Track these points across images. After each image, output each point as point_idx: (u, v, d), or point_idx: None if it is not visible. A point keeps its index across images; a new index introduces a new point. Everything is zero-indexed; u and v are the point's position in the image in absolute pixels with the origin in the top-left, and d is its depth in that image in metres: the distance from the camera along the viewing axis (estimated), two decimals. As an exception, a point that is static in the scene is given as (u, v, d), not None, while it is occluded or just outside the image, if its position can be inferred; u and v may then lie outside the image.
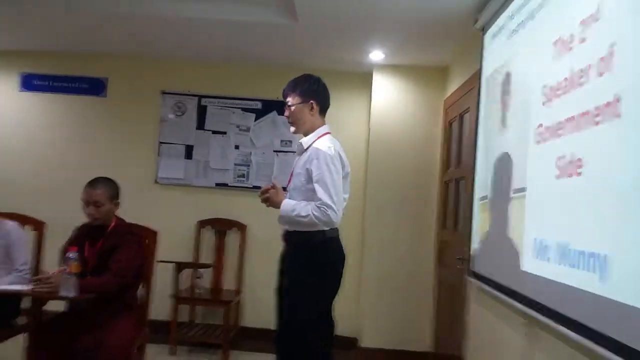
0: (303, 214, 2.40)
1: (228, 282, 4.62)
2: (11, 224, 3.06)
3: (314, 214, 2.38)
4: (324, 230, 2.45)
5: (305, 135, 2.60)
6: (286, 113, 2.61)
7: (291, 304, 2.50)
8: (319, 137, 2.56)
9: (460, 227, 3.61)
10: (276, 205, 2.50)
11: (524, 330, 2.19)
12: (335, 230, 2.52)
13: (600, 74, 1.64)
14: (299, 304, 2.46)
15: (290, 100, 2.57)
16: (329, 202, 2.38)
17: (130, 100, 4.82)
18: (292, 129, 2.62)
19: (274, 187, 2.52)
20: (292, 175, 2.62)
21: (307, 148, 2.54)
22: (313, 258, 2.47)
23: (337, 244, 2.54)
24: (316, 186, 2.41)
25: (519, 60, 2.41)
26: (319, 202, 2.39)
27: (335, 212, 2.40)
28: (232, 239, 4.70)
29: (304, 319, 2.46)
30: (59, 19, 3.88)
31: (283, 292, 2.58)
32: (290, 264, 2.56)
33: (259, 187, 4.56)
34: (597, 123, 1.63)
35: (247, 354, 4.28)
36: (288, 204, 2.47)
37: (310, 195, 2.46)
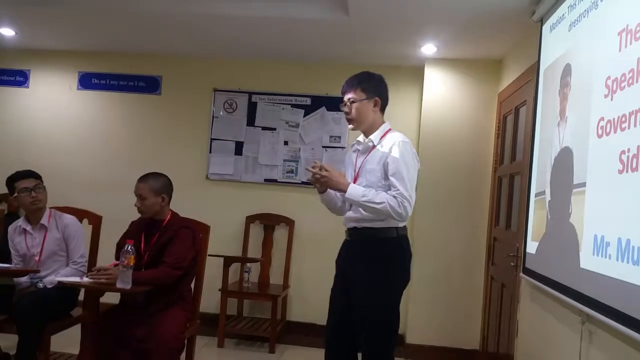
0: (377, 200, 2.29)
1: (275, 277, 4.66)
2: (70, 218, 3.18)
3: (389, 203, 2.28)
4: (397, 227, 2.40)
5: (365, 132, 2.51)
6: (346, 109, 2.48)
7: (372, 305, 2.37)
8: (385, 133, 2.48)
9: (513, 224, 3.51)
10: (338, 186, 2.36)
11: (579, 329, 2.11)
12: (405, 229, 2.46)
13: (670, 63, 1.55)
14: (380, 303, 2.37)
15: (352, 96, 2.46)
16: (405, 194, 2.30)
17: (184, 97, 4.92)
18: (351, 125, 2.51)
19: (324, 168, 2.38)
20: (358, 174, 2.49)
21: (375, 145, 2.46)
22: (389, 255, 2.40)
23: (407, 241, 2.49)
24: (392, 179, 2.33)
25: (580, 52, 2.32)
26: (395, 192, 2.30)
27: (410, 206, 2.32)
28: (280, 234, 4.73)
29: (388, 319, 2.39)
30: (117, 20, 4.01)
31: (348, 291, 2.45)
32: (359, 263, 2.43)
33: (307, 183, 4.68)
34: (665, 115, 1.54)
35: (293, 347, 4.32)
36: (356, 188, 2.34)
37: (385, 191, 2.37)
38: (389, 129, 2.51)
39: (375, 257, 2.39)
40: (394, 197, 2.30)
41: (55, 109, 5.05)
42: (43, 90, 5.09)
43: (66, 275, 2.99)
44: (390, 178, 2.33)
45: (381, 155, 2.40)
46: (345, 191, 2.34)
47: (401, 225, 2.41)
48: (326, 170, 2.37)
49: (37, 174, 3.14)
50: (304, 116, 4.77)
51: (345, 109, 2.49)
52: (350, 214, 2.49)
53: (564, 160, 2.36)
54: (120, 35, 4.46)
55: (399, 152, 2.35)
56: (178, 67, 4.93)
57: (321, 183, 2.40)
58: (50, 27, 4.35)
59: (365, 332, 2.39)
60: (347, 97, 2.49)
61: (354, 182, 2.45)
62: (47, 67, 5.07)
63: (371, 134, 2.49)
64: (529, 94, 3.20)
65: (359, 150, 2.55)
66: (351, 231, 2.50)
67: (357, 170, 2.51)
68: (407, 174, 2.34)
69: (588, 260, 2.00)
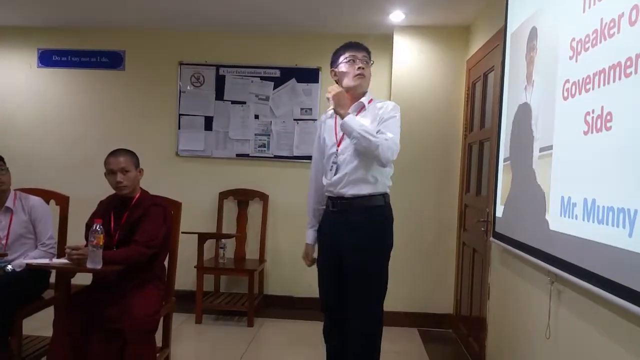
0: (375, 134, 2.36)
1: (251, 252, 4.66)
2: (35, 199, 3.10)
3: (383, 143, 2.35)
4: (384, 195, 2.50)
5: (355, 95, 2.56)
6: (362, 64, 2.54)
7: (365, 270, 2.47)
8: (371, 100, 2.59)
9: (483, 190, 3.56)
10: (340, 108, 2.42)
11: (548, 289, 2.17)
12: (389, 196, 2.56)
13: (632, 23, 1.56)
14: (378, 268, 2.51)
15: (367, 56, 2.57)
16: (397, 140, 2.41)
17: (149, 72, 4.81)
18: (359, 82, 2.54)
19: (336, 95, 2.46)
20: (343, 136, 2.50)
21: (363, 107, 2.55)
22: (380, 220, 2.49)
23: (391, 207, 2.59)
24: (383, 128, 2.41)
25: (545, 14, 2.32)
26: (388, 136, 2.39)
27: (396, 154, 2.42)
28: (254, 209, 4.72)
29: (384, 280, 2.55)
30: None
31: (341, 260, 2.51)
32: (353, 231, 2.46)
33: (280, 157, 4.67)
34: (628, 75, 1.57)
35: (272, 320, 4.35)
36: (352, 120, 2.40)
37: None
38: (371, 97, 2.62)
39: (368, 223, 2.45)
40: (386, 139, 2.37)
41: (15, 88, 4.90)
42: (1, 69, 4.92)
43: (35, 258, 2.93)
44: (382, 127, 2.41)
45: (374, 116, 2.49)
46: (344, 116, 2.40)
47: (387, 190, 2.53)
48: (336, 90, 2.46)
49: None
50: (274, 89, 4.71)
51: (362, 64, 2.54)
52: (335, 177, 2.49)
53: (528, 124, 2.39)
54: (80, 10, 4.29)
55: (394, 112, 2.48)
56: (141, 41, 4.80)
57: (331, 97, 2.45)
58: (6, 2, 4.15)
59: (362, 291, 2.48)
60: (362, 54, 2.56)
61: (339, 145, 2.52)
62: (4, 44, 4.90)
63: (360, 97, 2.57)
64: (496, 60, 3.21)
65: (348, 113, 2.49)
66: (338, 201, 2.50)
67: (340, 134, 2.52)
68: (396, 129, 2.45)
69: (556, 222, 2.04)
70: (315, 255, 2.69)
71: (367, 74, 2.56)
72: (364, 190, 2.45)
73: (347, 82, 2.53)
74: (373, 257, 2.47)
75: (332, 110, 2.51)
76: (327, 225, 2.59)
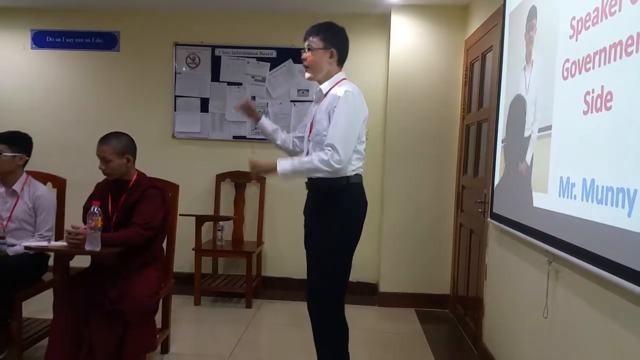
0: (305, 160, 2.38)
1: (249, 234, 4.67)
2: (43, 189, 3.07)
3: (315, 160, 2.33)
4: (347, 176, 2.41)
5: (320, 83, 2.52)
6: (304, 56, 2.49)
7: (315, 251, 2.51)
8: (337, 83, 2.48)
9: (480, 171, 3.56)
10: (268, 169, 2.41)
11: (546, 269, 2.18)
12: (358, 177, 2.48)
13: (634, 1, 1.55)
14: (324, 250, 2.46)
15: (311, 44, 2.47)
16: (336, 145, 2.30)
17: (144, 53, 4.75)
18: (307, 74, 2.52)
19: (251, 161, 2.46)
20: (312, 124, 2.52)
21: (326, 94, 2.46)
22: (336, 204, 2.42)
23: (360, 189, 2.51)
24: (329, 131, 2.35)
25: (545, -8, 2.29)
26: (326, 144, 2.33)
27: (340, 156, 2.30)
28: (252, 191, 4.71)
29: (329, 265, 2.47)
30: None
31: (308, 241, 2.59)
32: (313, 211, 2.53)
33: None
34: (629, 53, 1.56)
35: (270, 302, 4.38)
36: (284, 164, 2.39)
37: None
38: (342, 79, 2.51)
39: (324, 206, 2.46)
40: (322, 148, 2.34)
41: (8, 70, 4.85)
42: (-6, 51, 4.86)
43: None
44: (329, 128, 2.35)
45: (327, 105, 2.41)
46: (274, 172, 2.39)
47: (351, 174, 2.42)
48: (252, 162, 2.46)
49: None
50: (270, 70, 4.67)
51: (303, 56, 2.50)
52: None
53: (518, 107, 2.38)
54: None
55: (340, 104, 2.35)
56: (136, 21, 4.74)
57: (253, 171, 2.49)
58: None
59: (309, 275, 2.55)
60: (306, 43, 2.50)
61: (310, 132, 2.50)
62: (-3, 25, 4.83)
63: (323, 82, 2.51)
64: (495, 40, 3.18)
65: (315, 99, 2.59)
66: (307, 182, 2.56)
67: (312, 121, 2.53)
68: (344, 125, 2.33)
69: (554, 202, 2.04)
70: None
71: (313, 59, 2.46)
72: (325, 175, 2.40)
73: None
74: (322, 237, 2.46)
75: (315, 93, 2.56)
76: (305, 205, 2.66)
